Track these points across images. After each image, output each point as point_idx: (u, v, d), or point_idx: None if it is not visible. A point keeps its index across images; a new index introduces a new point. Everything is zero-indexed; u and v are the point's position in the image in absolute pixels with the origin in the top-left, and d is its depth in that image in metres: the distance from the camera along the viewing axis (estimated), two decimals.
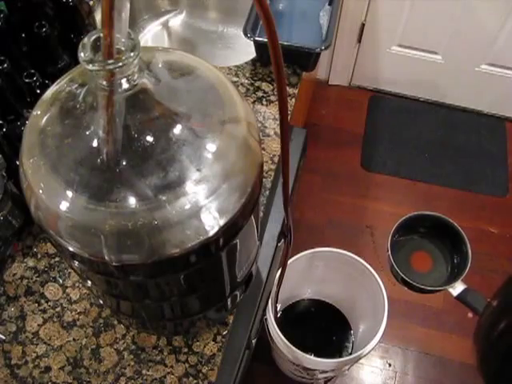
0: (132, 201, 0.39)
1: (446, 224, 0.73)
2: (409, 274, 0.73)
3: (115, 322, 0.70)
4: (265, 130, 0.87)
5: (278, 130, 0.57)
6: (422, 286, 0.70)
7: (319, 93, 2.01)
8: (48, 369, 0.66)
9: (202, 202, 0.40)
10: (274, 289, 0.94)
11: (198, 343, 0.68)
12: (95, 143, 0.39)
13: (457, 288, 0.67)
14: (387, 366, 1.48)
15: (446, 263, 0.73)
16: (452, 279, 0.69)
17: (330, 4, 0.99)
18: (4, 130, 0.65)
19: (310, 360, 1.08)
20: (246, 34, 0.88)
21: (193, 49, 1.17)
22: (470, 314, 0.67)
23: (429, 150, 1.88)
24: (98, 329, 0.69)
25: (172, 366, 0.67)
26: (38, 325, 0.69)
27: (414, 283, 0.71)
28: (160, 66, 0.43)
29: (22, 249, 0.74)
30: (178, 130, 0.41)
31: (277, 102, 0.42)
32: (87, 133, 0.40)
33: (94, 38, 0.36)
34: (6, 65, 0.66)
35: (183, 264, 0.45)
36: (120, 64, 0.35)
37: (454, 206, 1.75)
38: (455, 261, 0.72)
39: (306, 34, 0.97)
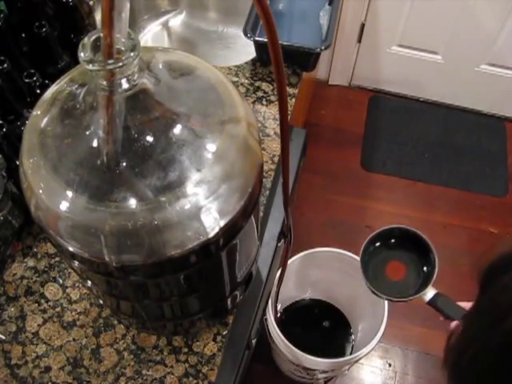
0: (132, 201, 0.39)
1: (413, 235, 0.75)
2: (385, 285, 0.74)
3: (115, 322, 0.70)
4: (265, 130, 0.87)
5: (278, 130, 0.57)
6: (395, 299, 0.73)
7: (319, 93, 2.01)
8: (48, 369, 0.66)
9: (202, 203, 0.40)
10: (274, 289, 0.94)
11: (198, 343, 0.68)
12: (95, 143, 0.39)
13: (428, 294, 0.70)
14: (387, 365, 1.48)
15: (418, 272, 0.74)
16: (423, 286, 0.72)
17: (329, 4, 0.99)
18: (4, 129, 0.65)
19: (310, 360, 1.08)
20: (245, 34, 0.88)
21: (193, 49, 1.17)
22: (442, 318, 0.70)
23: (429, 149, 1.88)
24: (98, 329, 0.69)
25: (172, 366, 0.67)
26: (38, 325, 0.69)
27: (384, 296, 0.73)
28: (160, 66, 0.43)
29: (22, 249, 0.74)
30: (177, 130, 0.40)
31: (277, 102, 0.42)
32: (87, 133, 0.40)
33: (94, 37, 0.36)
34: (6, 65, 0.66)
35: (183, 264, 0.45)
36: (120, 64, 0.35)
37: (454, 206, 1.75)
38: (425, 269, 0.74)
39: (306, 34, 0.97)
